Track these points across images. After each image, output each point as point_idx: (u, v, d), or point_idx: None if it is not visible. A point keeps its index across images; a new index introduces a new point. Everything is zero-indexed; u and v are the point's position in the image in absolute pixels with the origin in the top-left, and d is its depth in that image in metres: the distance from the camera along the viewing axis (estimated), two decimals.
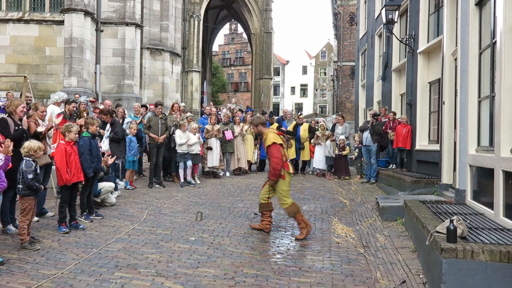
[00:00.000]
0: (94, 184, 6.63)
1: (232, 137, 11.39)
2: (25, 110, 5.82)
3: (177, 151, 9.60)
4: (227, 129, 11.26)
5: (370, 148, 10.65)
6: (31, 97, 9.78)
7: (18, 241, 4.95)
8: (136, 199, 8.00)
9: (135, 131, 9.15)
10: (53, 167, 6.66)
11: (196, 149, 9.92)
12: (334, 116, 17.64)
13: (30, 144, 4.99)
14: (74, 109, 8.67)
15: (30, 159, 4.96)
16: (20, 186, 4.89)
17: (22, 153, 4.95)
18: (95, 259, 4.66)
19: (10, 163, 4.76)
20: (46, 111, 6.65)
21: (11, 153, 4.69)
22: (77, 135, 5.91)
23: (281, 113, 13.20)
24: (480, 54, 6.02)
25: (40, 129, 5.98)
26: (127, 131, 9.10)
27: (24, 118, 5.94)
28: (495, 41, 5.26)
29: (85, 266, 4.42)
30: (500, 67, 4.98)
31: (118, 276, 4.20)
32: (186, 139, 9.57)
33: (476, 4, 6.08)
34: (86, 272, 4.27)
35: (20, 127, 5.63)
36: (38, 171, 5.05)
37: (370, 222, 6.81)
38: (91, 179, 6.35)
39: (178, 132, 9.64)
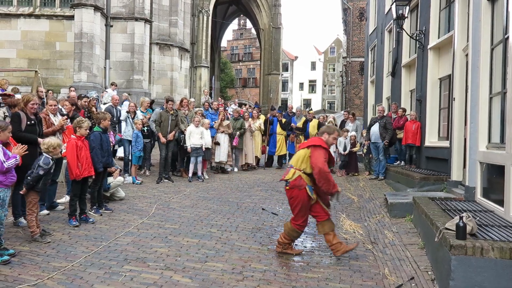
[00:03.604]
0: (104, 179, 6.69)
1: (237, 144, 11.46)
2: (35, 106, 5.82)
3: (191, 146, 9.61)
4: (237, 135, 11.33)
5: (378, 145, 10.59)
6: (43, 91, 9.85)
7: (29, 233, 5.01)
8: (144, 193, 8.05)
9: (140, 125, 9.18)
10: (64, 161, 6.73)
11: (209, 143, 10.00)
12: (342, 112, 17.54)
13: (51, 141, 5.09)
14: (86, 104, 8.76)
15: (49, 156, 5.05)
16: (29, 178, 4.95)
17: (42, 149, 5.03)
18: (104, 252, 4.71)
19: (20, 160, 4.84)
20: (56, 105, 6.69)
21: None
22: (87, 130, 5.97)
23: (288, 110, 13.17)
24: (492, 50, 5.94)
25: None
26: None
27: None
28: (508, 37, 5.19)
29: (95, 259, 4.48)
30: None
31: (127, 269, 4.24)
32: (197, 135, 9.61)
33: None
34: (96, 265, 4.32)
35: (33, 122, 5.68)
36: (52, 169, 5.14)
37: (379, 218, 6.79)
38: (102, 174, 6.41)
39: (190, 127, 9.70)
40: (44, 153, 5.05)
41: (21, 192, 4.98)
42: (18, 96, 8.32)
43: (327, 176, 4.65)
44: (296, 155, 5.03)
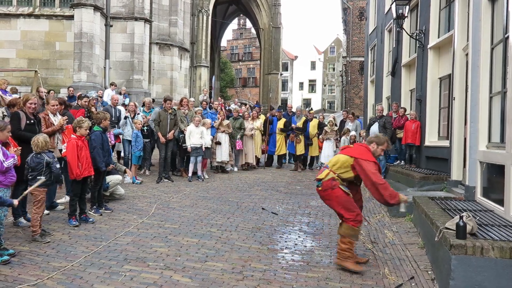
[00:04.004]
0: (104, 178, 6.69)
1: (242, 147, 11.55)
2: (33, 106, 5.80)
3: (191, 146, 9.60)
4: (238, 137, 11.40)
5: None
6: (44, 91, 9.82)
7: (29, 233, 5.01)
8: (144, 193, 8.05)
9: (140, 125, 9.17)
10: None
11: (208, 143, 10.01)
12: (341, 112, 17.55)
13: (45, 138, 5.11)
14: (86, 104, 8.77)
15: (49, 151, 5.11)
16: (43, 177, 4.96)
17: (37, 150, 5.02)
18: (104, 252, 4.71)
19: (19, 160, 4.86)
20: (57, 105, 6.68)
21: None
22: (87, 130, 5.97)
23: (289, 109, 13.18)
24: (492, 49, 5.94)
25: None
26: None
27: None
28: (508, 36, 5.18)
29: (95, 259, 4.47)
30: None
31: (127, 269, 4.24)
32: (197, 135, 9.60)
33: None
34: (95, 265, 4.32)
35: (32, 121, 5.68)
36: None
37: (379, 218, 6.79)
38: (102, 173, 6.41)
39: (190, 127, 9.69)
40: (44, 152, 5.04)
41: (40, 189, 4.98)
42: (15, 95, 8.32)
43: (380, 187, 4.28)
44: (335, 158, 4.74)
